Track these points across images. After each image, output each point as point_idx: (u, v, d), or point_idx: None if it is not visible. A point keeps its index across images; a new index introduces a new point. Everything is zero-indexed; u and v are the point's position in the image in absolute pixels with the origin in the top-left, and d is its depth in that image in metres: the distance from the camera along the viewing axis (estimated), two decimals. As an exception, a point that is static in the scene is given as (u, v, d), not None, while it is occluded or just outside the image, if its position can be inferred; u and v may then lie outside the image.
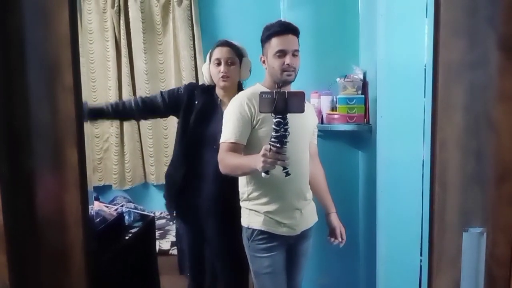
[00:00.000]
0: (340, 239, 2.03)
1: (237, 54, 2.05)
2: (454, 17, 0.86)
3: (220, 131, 1.85)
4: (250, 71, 2.10)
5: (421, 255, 2.10)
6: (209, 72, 2.07)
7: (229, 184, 1.92)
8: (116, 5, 3.11)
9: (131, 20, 3.13)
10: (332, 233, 2.03)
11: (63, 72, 0.86)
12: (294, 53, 1.77)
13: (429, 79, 0.87)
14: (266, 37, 1.80)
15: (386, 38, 2.07)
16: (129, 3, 3.12)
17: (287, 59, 1.74)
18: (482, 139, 0.87)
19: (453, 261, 0.86)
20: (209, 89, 2.10)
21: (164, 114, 2.25)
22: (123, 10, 3.13)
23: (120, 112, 2.15)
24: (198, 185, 2.05)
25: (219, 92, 2.09)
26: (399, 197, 2.08)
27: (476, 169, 0.87)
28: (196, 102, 2.05)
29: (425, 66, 2.00)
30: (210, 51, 2.10)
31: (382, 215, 2.13)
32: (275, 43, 1.76)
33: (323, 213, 2.06)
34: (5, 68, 0.86)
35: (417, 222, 2.07)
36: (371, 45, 2.24)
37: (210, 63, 2.06)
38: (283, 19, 1.85)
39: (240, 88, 2.08)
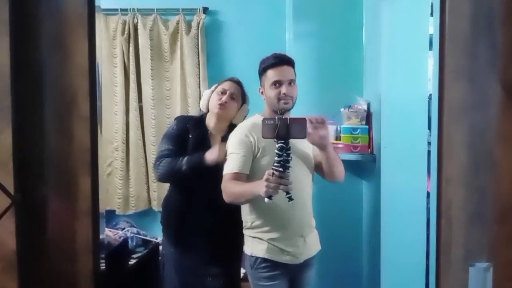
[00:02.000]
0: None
1: (242, 96, 2.09)
2: (457, 61, 0.89)
3: (210, 165, 1.88)
4: (244, 118, 2.09)
5: (426, 287, 2.09)
6: (208, 98, 2.07)
7: (226, 215, 1.93)
8: (126, 32, 3.18)
9: (140, 47, 3.19)
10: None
11: (80, 102, 0.89)
12: (290, 83, 1.82)
13: (435, 119, 0.90)
14: (262, 70, 1.87)
15: (390, 71, 2.12)
16: (139, 31, 3.18)
17: (283, 89, 1.80)
18: (485, 177, 0.89)
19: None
20: (201, 122, 2.10)
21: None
22: (132, 37, 3.19)
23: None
24: (194, 217, 2.04)
25: (209, 123, 2.08)
26: (403, 227, 2.08)
27: (480, 206, 0.89)
28: (190, 136, 2.05)
29: (428, 98, 2.05)
30: (219, 82, 2.13)
31: (387, 245, 2.13)
32: (270, 75, 1.83)
33: (325, 241, 2.03)
34: (23, 98, 0.89)
35: (422, 253, 2.07)
36: (375, 77, 2.29)
37: (213, 91, 2.08)
38: (287, 51, 1.91)
39: (233, 127, 1.99)
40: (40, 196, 0.89)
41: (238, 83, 2.11)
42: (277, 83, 1.81)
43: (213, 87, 2.12)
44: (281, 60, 1.85)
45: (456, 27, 0.86)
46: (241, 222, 1.91)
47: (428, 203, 2.14)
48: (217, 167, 1.87)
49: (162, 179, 2.04)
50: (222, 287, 2.06)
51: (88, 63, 0.91)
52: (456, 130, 0.87)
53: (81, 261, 0.89)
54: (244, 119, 2.09)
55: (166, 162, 1.97)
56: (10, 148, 0.86)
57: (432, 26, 2.00)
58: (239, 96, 2.07)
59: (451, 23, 0.86)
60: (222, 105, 2.00)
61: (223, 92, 2.03)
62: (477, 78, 0.87)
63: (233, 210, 1.88)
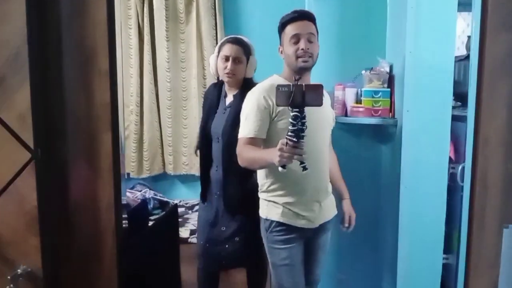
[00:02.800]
0: (346, 224, 2.02)
1: (245, 53, 2.11)
2: (501, 10, 0.82)
3: (220, 124, 2.06)
4: (255, 69, 2.18)
5: (444, 253, 2.08)
6: (216, 64, 2.13)
7: (239, 174, 1.98)
8: (140, -8, 3.11)
9: (154, 8, 3.12)
10: (342, 219, 2.04)
11: (99, 57, 0.85)
12: (310, 39, 1.74)
13: (474, 75, 0.84)
14: (281, 26, 1.80)
15: (416, 32, 2.03)
16: (153, -9, 3.11)
17: (302, 44, 1.72)
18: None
19: (492, 260, 0.84)
20: (218, 85, 2.20)
21: None
22: (147, -3, 3.12)
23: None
24: (210, 175, 2.16)
25: (225, 85, 2.18)
26: (423, 193, 2.05)
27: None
28: (208, 100, 2.20)
29: (457, 59, 1.97)
30: (219, 44, 2.16)
31: (405, 211, 2.10)
32: (289, 30, 1.75)
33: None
34: (42, 55, 0.86)
35: (442, 219, 2.05)
36: (399, 38, 2.19)
37: (218, 56, 2.12)
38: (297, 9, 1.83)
39: (246, 82, 2.11)
40: (61, 152, 0.87)
41: (237, 42, 2.11)
42: (295, 38, 1.73)
43: (216, 52, 2.15)
44: (301, 15, 1.77)
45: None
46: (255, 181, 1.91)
47: (450, 169, 2.11)
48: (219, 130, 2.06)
49: None
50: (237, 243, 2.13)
51: (107, 17, 0.87)
52: (497, 88, 0.82)
53: (104, 218, 0.89)
54: (255, 70, 2.16)
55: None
56: (28, 102, 0.83)
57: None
58: (243, 55, 2.09)
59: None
60: (229, 74, 2.07)
61: (227, 59, 2.07)
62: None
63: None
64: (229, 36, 2.19)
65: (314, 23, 1.78)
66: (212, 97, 2.18)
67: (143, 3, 3.13)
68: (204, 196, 2.21)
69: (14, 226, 0.87)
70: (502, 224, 0.85)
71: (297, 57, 1.74)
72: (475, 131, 0.84)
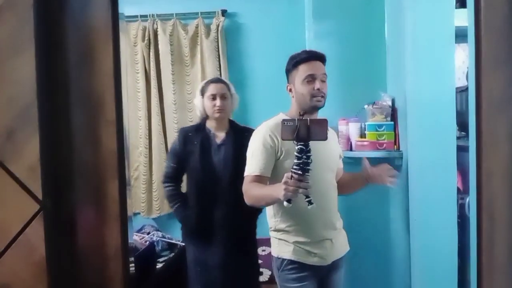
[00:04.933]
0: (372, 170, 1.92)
1: (228, 90, 2.23)
2: (496, 48, 0.84)
3: (219, 162, 2.12)
4: (237, 103, 2.32)
5: (459, 286, 2.02)
6: (203, 105, 2.22)
7: (242, 212, 1.99)
8: (146, 38, 3.22)
9: (160, 52, 3.22)
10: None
11: (106, 105, 0.88)
12: (323, 79, 1.77)
13: (472, 111, 0.85)
14: (293, 65, 1.81)
15: (414, 65, 2.07)
16: (159, 36, 3.21)
17: (317, 84, 1.74)
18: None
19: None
20: (201, 127, 2.25)
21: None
22: (153, 43, 3.22)
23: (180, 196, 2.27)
24: (211, 215, 2.15)
25: (211, 125, 2.23)
26: (433, 225, 2.02)
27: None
28: (195, 143, 2.18)
29: (457, 91, 1.99)
30: (202, 86, 2.26)
31: (416, 244, 2.07)
32: (303, 69, 1.77)
33: (354, 243, 2.00)
34: (51, 107, 0.89)
35: (453, 251, 2.01)
36: (399, 72, 2.24)
37: (203, 98, 2.22)
38: (308, 49, 1.88)
39: (231, 121, 2.28)
40: (69, 201, 0.89)
41: (220, 81, 2.28)
42: (311, 78, 1.76)
43: (199, 94, 2.25)
44: (314, 56, 1.80)
45: (493, 13, 0.82)
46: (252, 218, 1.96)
47: (459, 200, 2.09)
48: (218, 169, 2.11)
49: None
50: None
51: (113, 68, 0.90)
52: (497, 122, 0.82)
53: (111, 265, 0.89)
54: (237, 105, 2.30)
55: (167, 191, 2.26)
56: (37, 154, 0.86)
57: (457, 19, 1.99)
58: (227, 91, 2.22)
59: (487, 9, 0.81)
60: (219, 110, 2.16)
61: (214, 97, 2.17)
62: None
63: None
64: (210, 78, 2.36)
65: (325, 64, 1.82)
66: (202, 139, 2.19)
67: (149, 48, 3.23)
68: (205, 239, 2.17)
69: (22, 276, 0.87)
70: (512, 258, 0.84)
71: (312, 96, 1.75)
72: (477, 165, 0.84)
